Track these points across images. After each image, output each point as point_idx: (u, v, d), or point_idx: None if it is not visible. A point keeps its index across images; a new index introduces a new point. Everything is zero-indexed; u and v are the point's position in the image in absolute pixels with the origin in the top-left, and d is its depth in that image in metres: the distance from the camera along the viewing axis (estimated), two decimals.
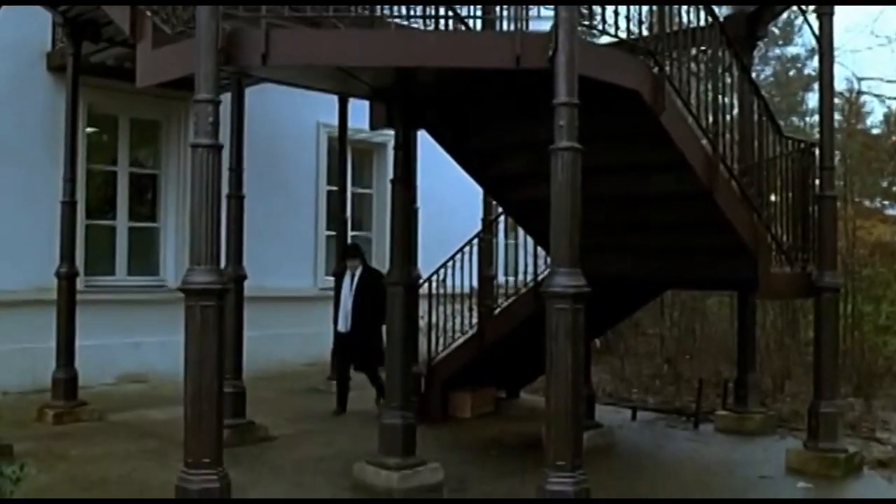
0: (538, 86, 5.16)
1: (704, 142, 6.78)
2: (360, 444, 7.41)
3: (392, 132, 6.87)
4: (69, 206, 8.86)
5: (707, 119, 6.87)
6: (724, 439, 8.88)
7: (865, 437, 8.98)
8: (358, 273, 9.35)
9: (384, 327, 8.96)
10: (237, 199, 8.11)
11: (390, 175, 6.99)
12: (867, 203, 19.27)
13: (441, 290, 9.81)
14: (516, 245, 10.36)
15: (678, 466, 7.75)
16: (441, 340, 10.00)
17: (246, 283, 8.23)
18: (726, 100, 7.26)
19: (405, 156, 6.74)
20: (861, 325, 12.82)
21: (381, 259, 12.96)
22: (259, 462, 7.22)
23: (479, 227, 10.23)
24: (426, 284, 9.43)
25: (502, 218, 10.35)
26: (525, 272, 9.55)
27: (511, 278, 10.40)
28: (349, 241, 12.05)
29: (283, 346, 11.22)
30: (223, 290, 5.03)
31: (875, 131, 23.58)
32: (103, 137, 11.44)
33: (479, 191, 9.73)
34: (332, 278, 10.78)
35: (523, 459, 7.38)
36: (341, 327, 9.28)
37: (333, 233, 11.83)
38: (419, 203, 8.07)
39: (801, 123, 24.86)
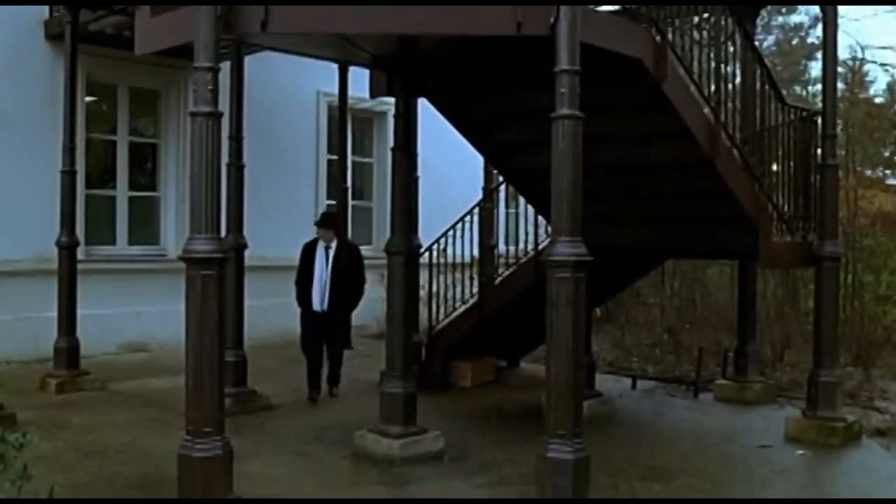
0: (540, 53, 5.12)
1: (706, 110, 6.75)
2: (361, 413, 7.45)
3: (393, 101, 6.84)
4: (69, 176, 8.84)
5: (709, 87, 6.83)
6: (724, 408, 8.93)
7: (864, 406, 9.02)
8: (333, 246, 8.42)
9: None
10: (237, 168, 8.10)
11: (391, 144, 6.97)
12: (869, 173, 19.20)
13: (442, 260, 9.83)
14: (517, 214, 10.34)
15: (678, 435, 7.80)
16: (442, 310, 10.03)
17: (246, 253, 8.24)
18: (729, 68, 7.22)
19: (406, 124, 6.71)
20: (861, 294, 12.84)
21: (381, 228, 12.96)
22: (261, 431, 7.26)
23: (479, 196, 10.22)
24: (427, 253, 9.43)
25: (503, 187, 10.33)
26: (526, 241, 9.55)
27: (512, 248, 10.40)
28: (349, 210, 12.00)
29: (285, 315, 11.14)
30: (224, 258, 5.03)
31: (878, 100, 23.46)
32: (102, 107, 11.39)
33: (480, 159, 9.69)
34: None
35: (523, 428, 7.42)
36: (317, 306, 8.34)
37: (334, 202, 11.80)
38: (420, 172, 8.06)
39: (804, 93, 24.73)
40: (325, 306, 8.34)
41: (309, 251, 8.53)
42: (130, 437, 6.97)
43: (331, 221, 8.61)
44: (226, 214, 6.68)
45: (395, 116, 6.77)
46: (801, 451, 7.17)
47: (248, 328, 8.29)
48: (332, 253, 8.38)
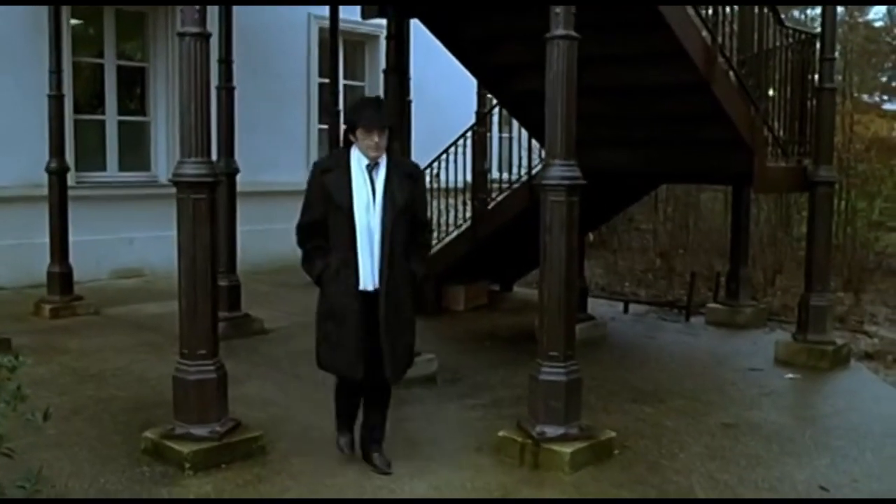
0: None
1: (704, 32, 6.65)
2: None
3: (385, 23, 6.71)
4: (56, 100, 8.69)
5: (707, 9, 6.72)
6: (715, 332, 9.01)
7: (854, 331, 9.13)
8: (382, 166, 4.57)
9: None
10: (227, 90, 7.98)
11: (383, 67, 6.86)
12: (865, 98, 19.06)
13: (434, 185, 9.78)
14: (510, 139, 10.27)
15: (668, 358, 7.87)
16: (434, 234, 10.01)
17: (238, 178, 8.18)
18: None
19: (398, 46, 6.61)
20: (854, 220, 12.88)
21: None
22: (255, 354, 7.31)
23: (472, 119, 10.12)
24: None
25: (497, 111, 10.24)
26: (519, 166, 9.50)
27: (505, 174, 10.35)
28: (341, 137, 11.88)
29: (277, 240, 11.16)
30: (214, 182, 4.97)
31: (877, 24, 23.16)
32: (89, 30, 11.18)
33: (474, 83, 9.57)
34: None
35: (516, 350, 7.48)
36: (370, 283, 4.52)
37: (325, 126, 11.70)
38: (412, 95, 7.95)
39: (803, 16, 24.38)
40: (378, 281, 4.54)
41: (336, 177, 4.58)
42: (126, 360, 7.01)
43: (379, 118, 4.58)
44: (216, 138, 6.60)
45: (388, 38, 6.66)
46: (790, 374, 7.25)
47: (240, 254, 8.27)
48: (380, 178, 4.57)
